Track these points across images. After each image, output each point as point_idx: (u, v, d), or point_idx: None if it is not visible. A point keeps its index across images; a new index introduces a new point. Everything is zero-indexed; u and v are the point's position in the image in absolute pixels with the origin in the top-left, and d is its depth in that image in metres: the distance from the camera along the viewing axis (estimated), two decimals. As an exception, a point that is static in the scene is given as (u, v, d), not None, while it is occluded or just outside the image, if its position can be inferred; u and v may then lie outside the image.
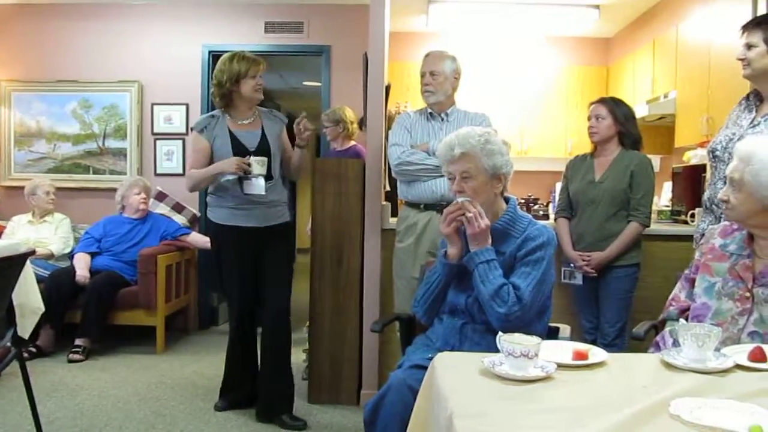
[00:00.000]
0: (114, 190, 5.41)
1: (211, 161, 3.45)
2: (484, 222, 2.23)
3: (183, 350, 5.03)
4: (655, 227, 3.91)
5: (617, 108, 3.49)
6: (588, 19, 6.04)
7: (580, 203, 3.53)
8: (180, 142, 5.84)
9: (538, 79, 6.69)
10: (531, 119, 6.66)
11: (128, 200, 5.26)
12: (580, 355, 1.70)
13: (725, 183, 2.68)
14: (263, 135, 3.50)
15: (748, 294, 2.03)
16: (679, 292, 2.33)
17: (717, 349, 1.76)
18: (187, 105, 5.84)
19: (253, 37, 5.77)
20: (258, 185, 3.37)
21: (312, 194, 3.94)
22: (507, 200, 2.42)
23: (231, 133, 3.45)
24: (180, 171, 5.80)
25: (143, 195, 5.28)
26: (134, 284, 4.94)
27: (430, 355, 1.96)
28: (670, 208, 4.66)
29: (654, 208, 4.57)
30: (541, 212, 3.91)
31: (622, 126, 3.46)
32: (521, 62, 6.73)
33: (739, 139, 2.65)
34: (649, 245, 3.63)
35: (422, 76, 3.50)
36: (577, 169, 3.62)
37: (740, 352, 1.77)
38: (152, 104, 5.86)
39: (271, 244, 3.54)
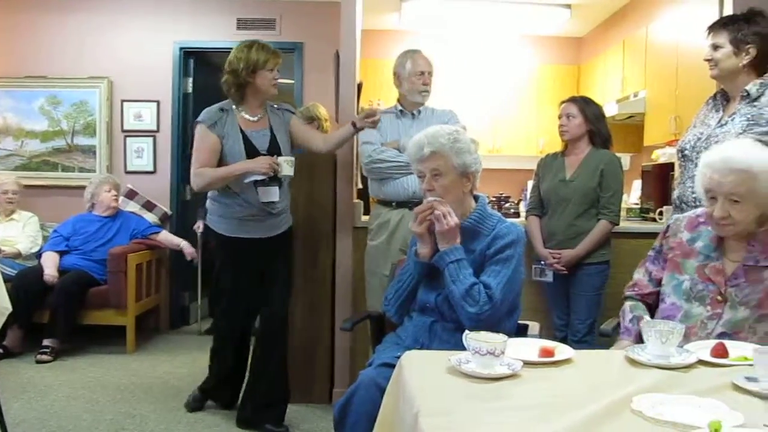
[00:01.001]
0: (83, 187, 5.33)
1: (219, 160, 3.22)
2: (454, 220, 2.24)
3: (154, 350, 4.98)
4: (625, 225, 3.96)
5: (587, 107, 3.53)
6: (560, 18, 6.10)
7: (551, 201, 3.56)
8: (151, 139, 5.78)
9: (511, 77, 6.74)
10: (503, 117, 6.71)
11: (98, 198, 5.19)
12: (547, 353, 1.72)
13: (694, 182, 2.74)
14: (272, 135, 3.30)
15: (719, 297, 2.03)
16: (641, 276, 2.35)
17: (680, 345, 1.78)
18: (158, 102, 5.78)
19: (226, 34, 5.73)
20: (274, 192, 3.21)
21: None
22: (476, 198, 2.43)
23: (243, 132, 3.23)
24: (151, 168, 5.76)
25: (114, 192, 5.21)
26: (104, 283, 4.87)
27: (399, 354, 1.96)
28: (639, 206, 4.72)
29: (623, 206, 4.62)
30: (512, 210, 3.94)
31: (593, 125, 3.49)
32: (494, 60, 6.78)
33: (707, 138, 2.69)
34: (618, 243, 3.67)
35: (419, 75, 3.49)
36: (548, 168, 3.65)
37: (703, 348, 1.80)
38: (122, 101, 5.78)
39: (277, 253, 3.40)
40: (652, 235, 3.26)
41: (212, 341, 3.66)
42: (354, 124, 3.30)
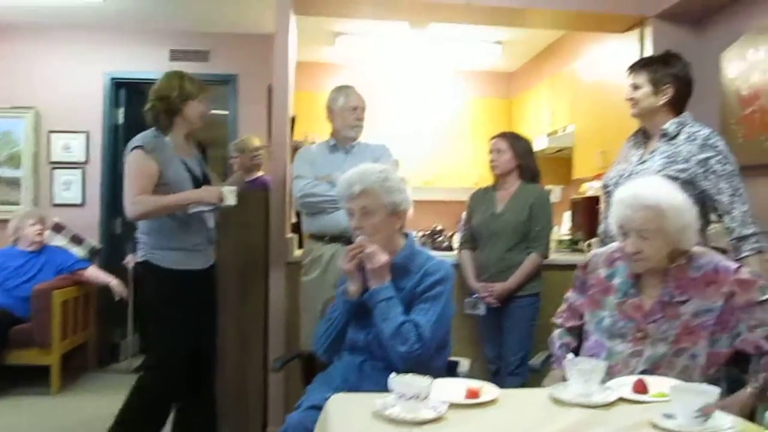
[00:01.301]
0: (6, 221, 5.14)
1: (156, 188, 3.05)
2: (384, 258, 2.25)
3: (81, 390, 4.80)
4: (555, 257, 4.03)
5: (516, 142, 3.61)
6: (491, 54, 6.25)
7: (483, 235, 3.60)
8: (80, 171, 5.63)
9: (445, 111, 6.86)
10: (438, 149, 6.80)
11: (22, 232, 5.00)
12: (473, 394, 1.72)
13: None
14: (200, 163, 3.29)
15: (639, 333, 2.07)
16: (565, 307, 2.42)
17: (603, 382, 1.82)
18: (87, 133, 5.65)
19: (158, 65, 5.62)
20: (211, 219, 3.22)
21: (215, 226, 3.85)
22: (405, 236, 2.44)
23: (182, 160, 3.15)
24: (79, 201, 5.61)
25: (39, 226, 5.03)
26: (27, 321, 4.68)
27: (328, 395, 1.94)
28: (569, 238, 4.83)
29: (554, 237, 4.74)
30: (445, 244, 3.97)
31: (521, 159, 3.57)
32: (428, 93, 6.89)
33: (629, 176, 2.78)
34: (549, 275, 3.73)
35: (352, 110, 3.51)
36: (480, 202, 3.70)
37: (624, 385, 1.84)
38: (49, 132, 5.63)
39: (211, 284, 3.36)
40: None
41: (143, 393, 3.27)
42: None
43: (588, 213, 4.64)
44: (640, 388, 1.80)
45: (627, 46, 4.33)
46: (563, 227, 5.44)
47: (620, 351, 2.09)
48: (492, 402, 1.74)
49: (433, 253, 3.87)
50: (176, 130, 3.18)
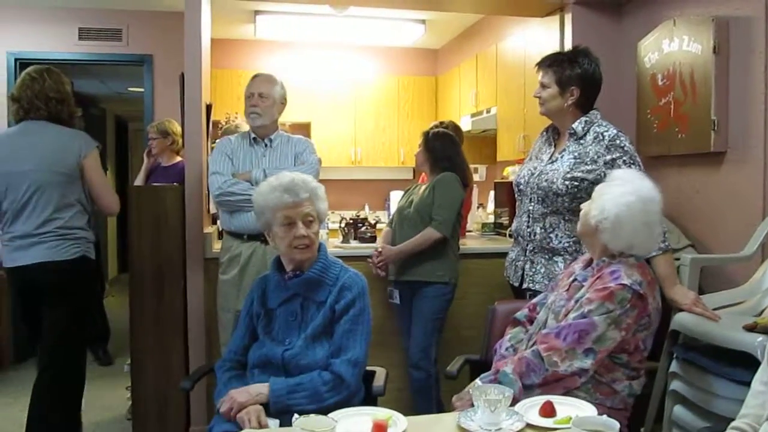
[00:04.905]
0: None
1: None
2: None
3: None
4: (472, 244, 4.06)
5: (433, 141, 3.63)
6: (415, 32, 6.17)
7: (396, 220, 3.62)
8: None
9: (370, 89, 6.76)
10: (364, 129, 6.73)
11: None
12: (380, 428, 1.69)
13: (528, 217, 2.84)
14: None
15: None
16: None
17: (512, 405, 1.82)
18: (-9, 116, 5.32)
19: (66, 45, 5.37)
20: None
21: (128, 221, 3.71)
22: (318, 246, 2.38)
23: None
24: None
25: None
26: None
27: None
28: (492, 221, 4.82)
29: (478, 220, 4.76)
30: (368, 234, 3.93)
31: (432, 156, 3.59)
32: (352, 71, 6.78)
33: (539, 174, 2.79)
34: (467, 263, 3.75)
35: (249, 96, 3.35)
36: (408, 193, 3.75)
37: (533, 407, 1.84)
38: (-55, 116, 5.28)
39: None
40: (501, 255, 3.37)
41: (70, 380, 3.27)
42: None
43: (510, 196, 4.65)
44: (548, 411, 1.80)
45: (548, 31, 4.31)
46: (489, 207, 5.46)
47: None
48: (399, 435, 1.71)
49: (352, 247, 3.89)
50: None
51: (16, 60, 5.35)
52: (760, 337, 2.18)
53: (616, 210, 2.09)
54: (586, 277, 2.18)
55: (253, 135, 3.41)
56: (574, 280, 2.24)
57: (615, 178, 2.22)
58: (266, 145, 3.39)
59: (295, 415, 1.60)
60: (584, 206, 2.25)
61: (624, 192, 2.12)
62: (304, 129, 6.25)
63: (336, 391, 2.13)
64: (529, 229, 2.84)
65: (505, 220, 4.56)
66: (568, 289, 2.24)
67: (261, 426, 2.00)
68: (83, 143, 3.15)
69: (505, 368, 2.09)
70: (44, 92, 3.14)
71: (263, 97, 3.32)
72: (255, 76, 3.44)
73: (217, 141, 3.66)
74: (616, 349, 2.08)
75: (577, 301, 2.13)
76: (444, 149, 3.58)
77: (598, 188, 2.23)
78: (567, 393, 2.02)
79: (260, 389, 2.13)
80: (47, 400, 3.16)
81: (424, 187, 3.60)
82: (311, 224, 2.29)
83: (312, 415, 1.59)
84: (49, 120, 3.15)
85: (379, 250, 3.54)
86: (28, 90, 3.13)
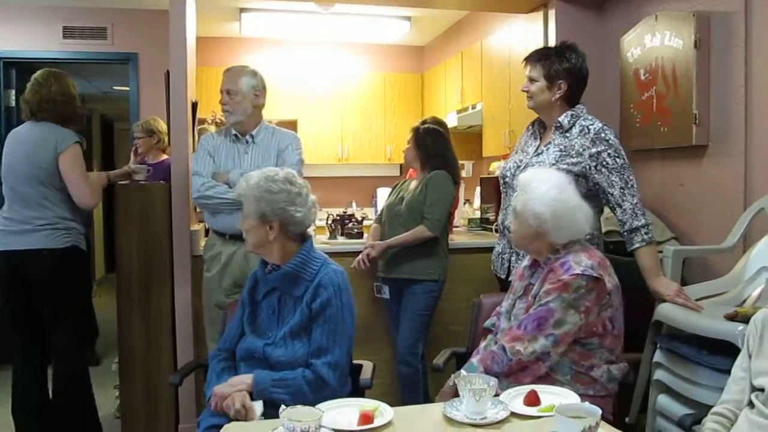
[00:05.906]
0: None
1: None
2: None
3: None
4: (461, 239, 4.08)
5: (424, 137, 3.61)
6: (400, 29, 6.18)
7: (386, 216, 3.63)
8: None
9: (356, 86, 6.77)
10: (350, 126, 6.74)
11: None
12: (366, 418, 1.71)
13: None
14: None
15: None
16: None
17: (497, 395, 1.85)
18: (-25, 117, 5.30)
19: (50, 44, 5.34)
20: None
21: (115, 220, 3.71)
22: (303, 240, 2.38)
23: None
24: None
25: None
26: None
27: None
28: (479, 217, 4.85)
29: (464, 216, 4.79)
30: (356, 230, 3.94)
31: (423, 152, 3.58)
32: (338, 69, 6.79)
33: (525, 167, 2.81)
34: (455, 258, 3.77)
35: (220, 94, 3.33)
36: (397, 189, 3.75)
37: (517, 396, 1.87)
38: (-66, 116, 5.25)
39: None
40: (487, 250, 3.40)
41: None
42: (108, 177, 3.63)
43: (497, 192, 4.68)
44: (532, 399, 1.83)
45: (532, 27, 4.34)
46: (475, 202, 5.49)
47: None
48: (386, 426, 1.73)
49: (339, 243, 3.90)
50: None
51: (0, 59, 5.32)
52: (740, 326, 2.21)
53: (549, 208, 2.23)
54: (538, 278, 2.29)
55: (234, 132, 3.36)
56: (529, 284, 2.34)
57: (526, 184, 2.33)
58: (248, 142, 3.35)
59: (282, 406, 1.61)
60: (510, 223, 2.44)
61: (545, 190, 2.26)
62: (291, 126, 6.15)
63: (319, 393, 2.11)
64: (515, 221, 2.87)
65: (491, 215, 4.58)
66: (523, 293, 2.34)
67: (245, 408, 2.05)
68: (60, 139, 3.24)
69: (473, 360, 2.26)
70: (51, 96, 3.31)
71: (231, 94, 3.27)
72: (226, 71, 3.39)
73: (201, 137, 3.65)
74: (586, 334, 2.17)
75: (534, 297, 2.24)
76: (435, 145, 3.60)
77: (517, 200, 2.34)
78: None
79: (243, 379, 2.17)
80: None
81: (414, 183, 3.60)
82: None
83: (299, 406, 1.61)
84: (54, 121, 3.30)
85: (370, 249, 3.52)
86: (37, 94, 3.30)
